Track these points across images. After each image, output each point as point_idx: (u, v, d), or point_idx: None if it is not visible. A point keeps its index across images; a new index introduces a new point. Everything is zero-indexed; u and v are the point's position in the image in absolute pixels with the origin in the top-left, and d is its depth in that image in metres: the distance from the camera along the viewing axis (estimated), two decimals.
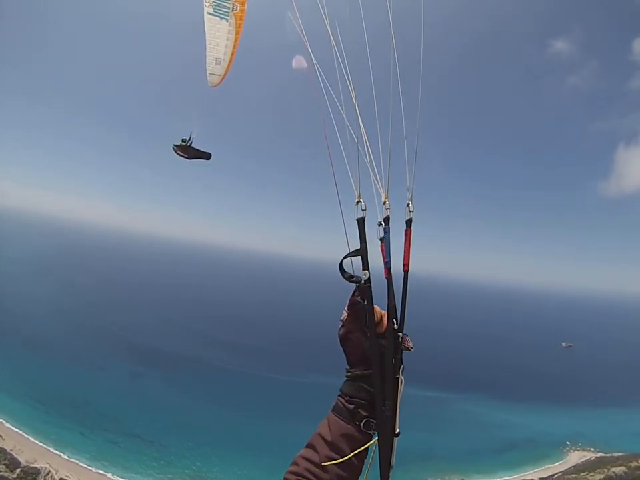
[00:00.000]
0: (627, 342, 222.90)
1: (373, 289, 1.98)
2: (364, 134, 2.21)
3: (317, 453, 1.81)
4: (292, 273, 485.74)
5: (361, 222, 2.00)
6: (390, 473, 1.81)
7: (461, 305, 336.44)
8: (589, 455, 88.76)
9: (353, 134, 2.22)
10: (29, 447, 59.38)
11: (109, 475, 58.29)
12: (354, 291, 1.96)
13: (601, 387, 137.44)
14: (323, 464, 1.73)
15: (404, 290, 2.02)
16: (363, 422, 1.89)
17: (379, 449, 1.87)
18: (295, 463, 1.85)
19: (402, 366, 1.97)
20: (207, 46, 7.23)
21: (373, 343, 1.90)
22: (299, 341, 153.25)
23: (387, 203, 2.04)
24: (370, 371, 1.90)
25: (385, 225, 2.01)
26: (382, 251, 2.03)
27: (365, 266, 1.93)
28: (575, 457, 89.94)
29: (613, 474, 75.53)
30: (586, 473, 79.75)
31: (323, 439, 1.87)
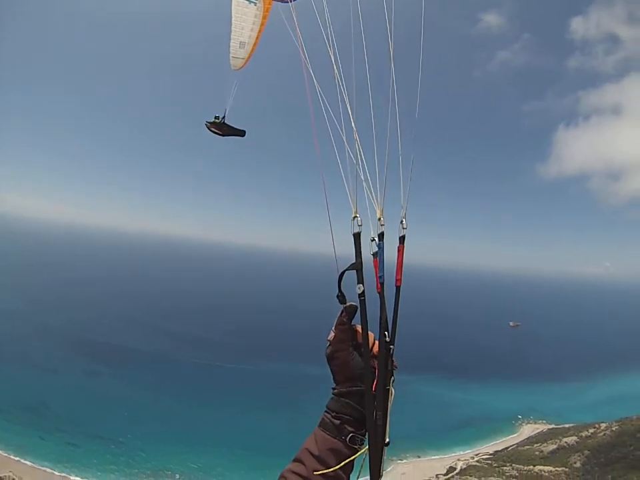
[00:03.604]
0: (571, 320, 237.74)
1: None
2: (361, 156, 2.27)
3: (305, 466, 1.85)
4: (246, 263, 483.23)
5: (357, 237, 2.03)
6: None
7: (409, 287, 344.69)
8: (541, 427, 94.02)
9: (352, 156, 2.28)
10: None
11: (72, 478, 56.41)
12: (341, 312, 2.00)
13: (549, 363, 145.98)
14: (315, 472, 1.79)
15: (396, 304, 2.09)
16: (349, 437, 1.95)
17: (369, 457, 1.93)
18: (284, 477, 1.88)
19: (392, 377, 2.05)
20: (232, 29, 7.38)
21: (366, 361, 1.95)
22: (254, 330, 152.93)
23: (382, 219, 2.10)
24: (357, 388, 1.96)
25: (379, 241, 2.07)
26: (375, 266, 2.08)
27: (360, 280, 1.96)
28: (528, 430, 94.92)
29: (565, 444, 79.80)
30: (539, 444, 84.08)
31: (311, 453, 1.91)
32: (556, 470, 72.21)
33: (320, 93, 2.65)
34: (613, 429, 77.78)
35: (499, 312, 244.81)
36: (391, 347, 2.04)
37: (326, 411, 2.06)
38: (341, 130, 2.45)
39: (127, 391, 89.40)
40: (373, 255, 2.08)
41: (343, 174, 2.23)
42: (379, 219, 2.13)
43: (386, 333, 2.03)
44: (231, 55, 7.56)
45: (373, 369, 2.05)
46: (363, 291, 1.94)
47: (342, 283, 2.02)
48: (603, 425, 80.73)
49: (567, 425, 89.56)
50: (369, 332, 2.07)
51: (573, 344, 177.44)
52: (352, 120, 2.42)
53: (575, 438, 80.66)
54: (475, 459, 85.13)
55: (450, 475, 78.64)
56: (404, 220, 2.19)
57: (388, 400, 2.02)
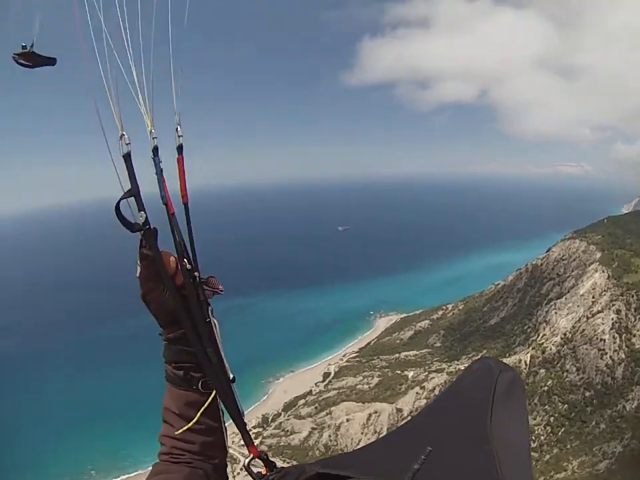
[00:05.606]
0: (393, 219, 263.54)
1: (162, 231, 1.72)
2: (129, 49, 1.75)
3: (173, 426, 1.75)
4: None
5: (127, 158, 1.68)
6: (244, 419, 1.78)
7: (233, 210, 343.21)
8: (394, 318, 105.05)
9: (115, 52, 1.72)
10: None
11: None
12: (141, 241, 1.68)
13: (382, 260, 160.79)
14: (176, 433, 1.72)
15: (188, 224, 1.81)
16: (200, 384, 1.76)
17: (221, 400, 1.77)
18: (162, 443, 1.76)
19: (210, 307, 1.79)
20: None
21: (174, 298, 1.70)
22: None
23: (154, 131, 1.74)
24: (183, 330, 1.72)
25: (155, 157, 1.73)
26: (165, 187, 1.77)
27: (140, 207, 1.66)
28: (383, 323, 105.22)
29: (420, 328, 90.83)
30: (397, 333, 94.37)
31: (172, 412, 1.76)
32: (420, 352, 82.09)
33: None
34: (460, 307, 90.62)
35: (325, 220, 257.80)
36: (196, 274, 1.77)
37: (166, 362, 1.80)
38: (99, 10, 1.78)
39: None
40: (156, 175, 1.74)
41: (105, 82, 1.69)
42: (151, 132, 1.74)
43: (185, 260, 1.75)
44: None
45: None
46: (147, 219, 1.64)
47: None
48: (450, 306, 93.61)
49: (417, 312, 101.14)
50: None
51: (398, 240, 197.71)
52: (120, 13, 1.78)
53: (427, 322, 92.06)
54: (344, 359, 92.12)
55: (328, 380, 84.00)
56: (179, 127, 1.83)
57: (214, 333, 1.76)
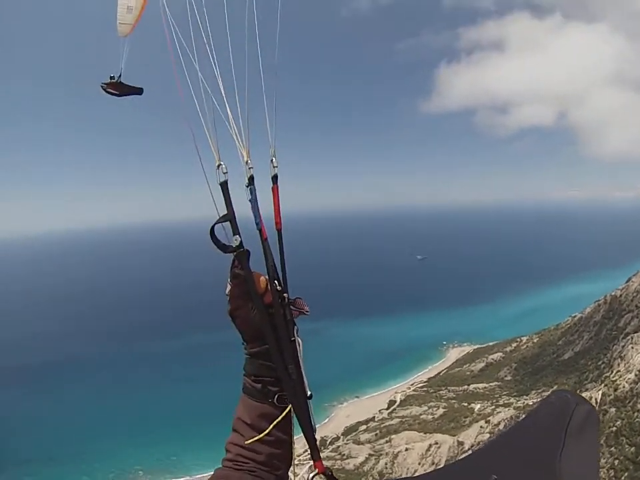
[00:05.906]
0: (470, 249, 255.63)
1: (253, 254, 1.86)
2: (222, 90, 1.96)
3: (243, 436, 1.81)
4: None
5: (224, 186, 1.86)
6: (315, 435, 1.85)
7: (310, 236, 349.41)
8: (467, 349, 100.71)
9: (209, 89, 1.96)
10: None
11: None
12: (233, 262, 1.81)
13: (459, 290, 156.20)
14: (245, 442, 1.77)
15: (280, 249, 1.96)
16: (276, 397, 1.84)
17: (296, 415, 1.84)
18: (228, 450, 1.82)
19: (296, 327, 1.91)
20: None
21: (262, 315, 1.81)
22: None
23: (249, 162, 1.91)
24: (267, 346, 1.83)
25: (250, 185, 1.88)
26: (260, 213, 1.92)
27: (235, 231, 1.81)
28: (455, 354, 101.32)
29: (492, 361, 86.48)
30: (468, 364, 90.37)
31: (244, 422, 1.83)
32: (490, 385, 78.16)
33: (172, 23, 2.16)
34: (534, 340, 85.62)
35: (402, 249, 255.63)
36: (285, 294, 1.90)
37: (245, 375, 1.90)
38: (193, 57, 2.04)
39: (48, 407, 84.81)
40: (249, 201, 1.89)
41: (201, 118, 1.90)
42: (247, 162, 1.90)
43: (276, 281, 1.88)
44: (118, 21, 5.57)
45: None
46: (241, 242, 1.79)
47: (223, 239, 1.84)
48: (524, 339, 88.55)
49: (490, 344, 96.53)
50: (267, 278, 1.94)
51: (476, 270, 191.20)
52: (210, 54, 2.02)
53: (500, 354, 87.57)
54: (412, 388, 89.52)
55: (392, 408, 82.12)
56: (274, 158, 1.97)
57: (297, 351, 1.87)
